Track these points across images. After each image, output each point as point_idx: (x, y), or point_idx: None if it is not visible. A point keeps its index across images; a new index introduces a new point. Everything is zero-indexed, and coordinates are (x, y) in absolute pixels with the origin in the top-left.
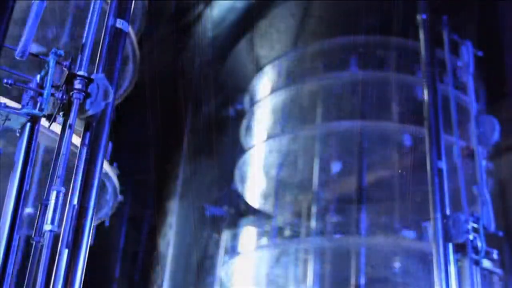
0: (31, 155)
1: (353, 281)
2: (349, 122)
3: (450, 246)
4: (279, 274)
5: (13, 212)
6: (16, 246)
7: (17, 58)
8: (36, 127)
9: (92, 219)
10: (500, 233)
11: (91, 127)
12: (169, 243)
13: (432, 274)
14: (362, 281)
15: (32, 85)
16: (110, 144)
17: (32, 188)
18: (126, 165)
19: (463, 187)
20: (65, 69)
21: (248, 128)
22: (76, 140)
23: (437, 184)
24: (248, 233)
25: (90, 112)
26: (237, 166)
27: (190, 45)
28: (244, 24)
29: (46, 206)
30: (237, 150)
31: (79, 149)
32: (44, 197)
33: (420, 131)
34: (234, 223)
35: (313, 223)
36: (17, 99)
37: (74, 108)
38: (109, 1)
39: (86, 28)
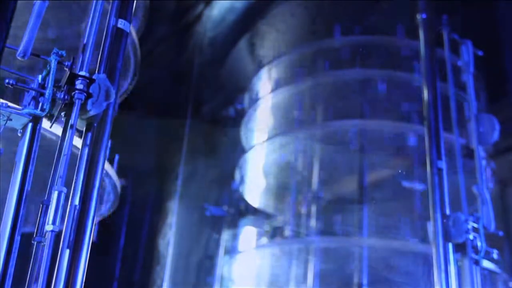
0: (32, 155)
1: (354, 281)
2: (350, 121)
3: (450, 246)
4: (279, 274)
5: (15, 213)
6: (18, 247)
7: (19, 58)
8: (38, 127)
9: (93, 219)
10: (500, 233)
11: (93, 127)
12: (169, 243)
13: (432, 274)
14: (363, 281)
15: (34, 85)
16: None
17: None
18: (126, 165)
19: (463, 187)
20: (67, 69)
21: (248, 127)
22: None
23: (437, 183)
24: (248, 233)
25: (91, 113)
26: (237, 166)
27: (190, 45)
28: (244, 24)
29: (47, 206)
30: (237, 150)
31: (80, 149)
32: (46, 197)
33: (420, 130)
34: (234, 223)
35: (313, 223)
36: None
37: (76, 108)
38: (110, 0)
39: (88, 28)
